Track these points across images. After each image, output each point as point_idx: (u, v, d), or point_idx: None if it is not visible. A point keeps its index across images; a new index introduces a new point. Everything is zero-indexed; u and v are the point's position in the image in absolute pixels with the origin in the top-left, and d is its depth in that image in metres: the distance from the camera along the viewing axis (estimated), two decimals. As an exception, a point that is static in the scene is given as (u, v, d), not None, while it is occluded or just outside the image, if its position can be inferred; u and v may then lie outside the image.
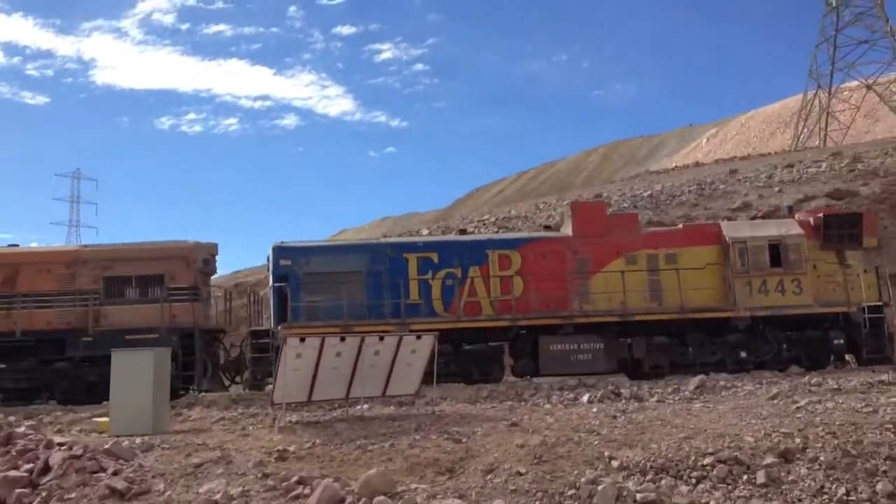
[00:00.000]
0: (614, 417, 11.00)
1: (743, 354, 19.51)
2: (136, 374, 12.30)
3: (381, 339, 13.02)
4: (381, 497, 7.50)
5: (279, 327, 18.29)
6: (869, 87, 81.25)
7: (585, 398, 13.65)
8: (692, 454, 8.67)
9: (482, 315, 19.39)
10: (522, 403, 13.55)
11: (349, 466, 8.97)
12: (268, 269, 20.73)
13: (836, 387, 12.98)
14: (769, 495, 7.87)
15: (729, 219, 29.82)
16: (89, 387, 18.08)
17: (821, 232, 20.21)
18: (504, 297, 19.47)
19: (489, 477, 8.31)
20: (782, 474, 8.19)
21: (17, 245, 21.34)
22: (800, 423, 9.71)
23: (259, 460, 9.23)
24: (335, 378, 12.64)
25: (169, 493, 8.20)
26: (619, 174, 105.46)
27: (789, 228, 20.33)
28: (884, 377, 14.12)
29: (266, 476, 8.46)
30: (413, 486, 7.96)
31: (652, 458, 8.63)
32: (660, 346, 19.37)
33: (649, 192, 37.68)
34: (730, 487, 8.04)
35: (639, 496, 7.64)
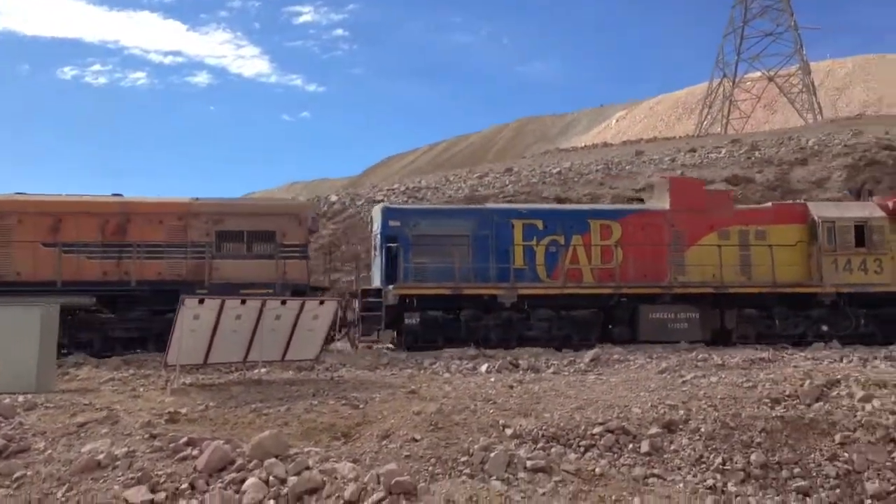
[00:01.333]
0: (511, 387, 11.21)
1: (824, 328, 20.08)
2: (21, 330, 11.79)
3: (284, 303, 12.87)
4: (273, 459, 7.45)
5: (390, 287, 18.63)
6: (770, 79, 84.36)
7: (484, 368, 13.84)
8: (582, 424, 8.95)
9: (583, 282, 19.86)
10: (422, 372, 13.64)
11: (243, 429, 8.87)
12: (370, 231, 21.00)
13: (720, 363, 13.54)
14: (651, 463, 8.20)
15: (631, 199, 30.61)
16: None
17: None
18: (605, 265, 19.95)
19: (384, 442, 8.37)
20: (665, 444, 8.54)
21: (121, 195, 20.18)
22: (684, 396, 10.11)
23: (147, 421, 9.02)
24: (234, 341, 12.44)
25: (49, 451, 7.94)
26: (531, 150, 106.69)
27: (872, 211, 21.08)
28: (764, 355, 14.80)
29: (154, 437, 8.27)
30: (307, 449, 7.95)
31: (544, 427, 8.86)
32: (749, 318, 20.00)
33: (558, 169, 38.23)
34: (616, 455, 8.34)
35: (529, 463, 7.84)
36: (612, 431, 8.75)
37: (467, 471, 7.64)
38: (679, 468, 8.13)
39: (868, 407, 9.37)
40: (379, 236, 19.74)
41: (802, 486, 7.81)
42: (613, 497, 7.38)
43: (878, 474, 7.91)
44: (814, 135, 40.62)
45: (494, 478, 7.52)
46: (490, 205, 23.65)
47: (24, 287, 17.50)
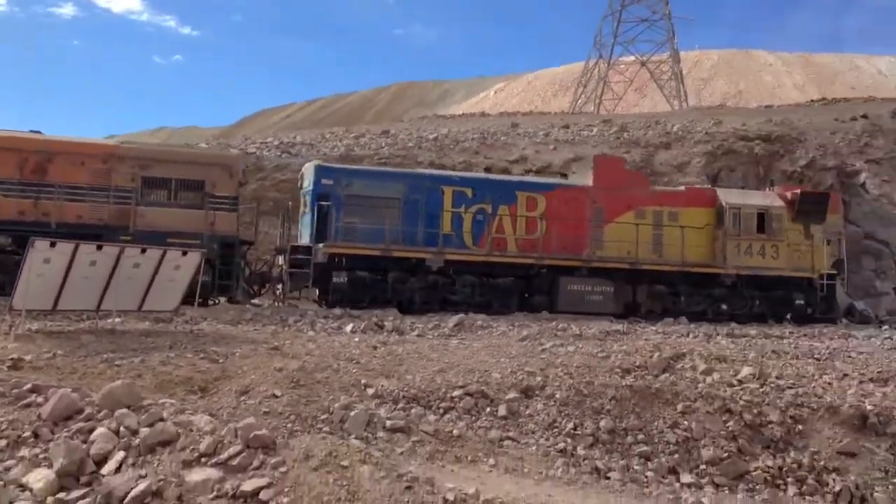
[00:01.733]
0: (374, 348, 11.25)
1: (724, 307, 21.50)
2: None
3: (143, 251, 12.37)
4: (124, 410, 7.19)
5: (320, 245, 18.87)
6: (643, 64, 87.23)
7: (349, 328, 13.83)
8: (443, 387, 9.10)
9: (507, 251, 20.57)
10: (286, 328, 13.49)
11: (93, 379, 8.51)
12: (300, 186, 21.02)
13: (578, 333, 14.05)
14: (507, 427, 8.45)
15: (506, 170, 31.09)
16: None
17: (795, 206, 22.56)
18: (529, 236, 20.73)
19: (243, 398, 8.25)
20: (521, 408, 8.82)
21: (41, 132, 18.75)
22: (543, 363, 10.45)
23: (-12, 367, 8.53)
24: (86, 288, 11.86)
25: None
26: (409, 114, 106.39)
27: (773, 200, 22.70)
28: (618, 327, 15.47)
29: (-6, 382, 7.84)
30: (161, 401, 7.72)
31: (405, 389, 8.97)
32: (658, 294, 21.23)
33: (435, 135, 38.27)
34: (473, 418, 8.54)
35: (388, 423, 7.92)
36: (471, 395, 8.95)
37: (327, 428, 7.64)
38: (533, 432, 8.42)
39: (708, 379, 9.97)
40: (311, 194, 19.76)
41: (645, 451, 8.25)
42: (469, 457, 7.57)
43: (714, 442, 8.45)
44: (679, 121, 42.34)
45: (353, 436, 7.55)
46: (423, 170, 23.88)
47: None
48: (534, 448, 8.09)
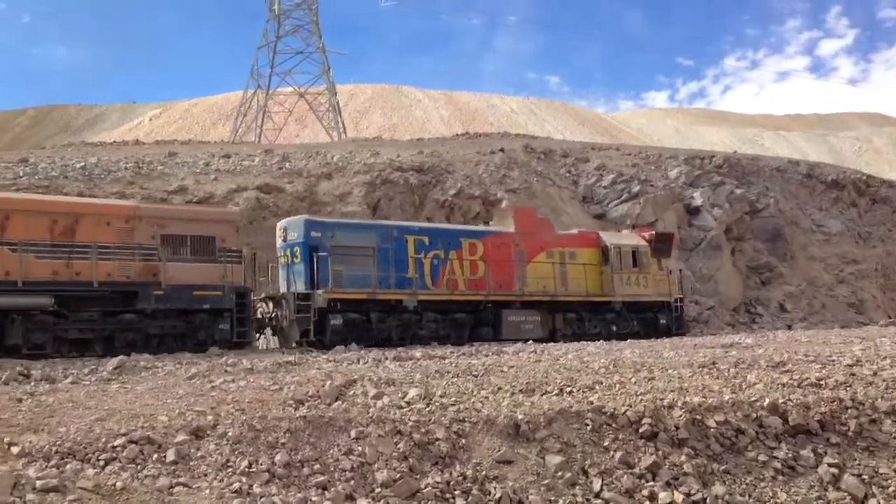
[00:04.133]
0: (19, 400, 10.06)
1: (614, 328, 26.18)
2: None
3: None
4: None
5: (319, 291, 21.02)
6: (301, 96, 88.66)
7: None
8: (103, 436, 8.40)
9: (458, 290, 23.86)
10: None
11: None
12: (283, 238, 22.66)
13: (249, 367, 13.75)
14: (178, 472, 8.01)
15: (164, 200, 29.74)
16: (148, 339, 18.74)
17: (652, 244, 28.11)
18: (473, 276, 24.21)
19: None
20: (192, 451, 8.41)
21: None
22: (213, 401, 10.08)
23: None
24: None
25: None
26: (53, 141, 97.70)
27: (639, 241, 28.19)
28: (291, 358, 15.46)
29: None
30: None
31: (59, 443, 8.14)
32: (568, 320, 25.69)
33: (83, 163, 35.44)
34: (139, 467, 7.99)
35: (39, 483, 7.12)
36: (135, 442, 8.35)
37: (-37, 498, 6.69)
38: (206, 474, 8.06)
39: (379, 403, 10.30)
40: (302, 245, 21.83)
41: (322, 480, 8.28)
42: (136, 511, 7.06)
43: (387, 464, 8.72)
44: (338, 151, 43.60)
45: (-3, 503, 6.69)
46: (390, 222, 27.08)
47: None
48: (207, 492, 7.74)
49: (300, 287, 21.54)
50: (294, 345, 20.91)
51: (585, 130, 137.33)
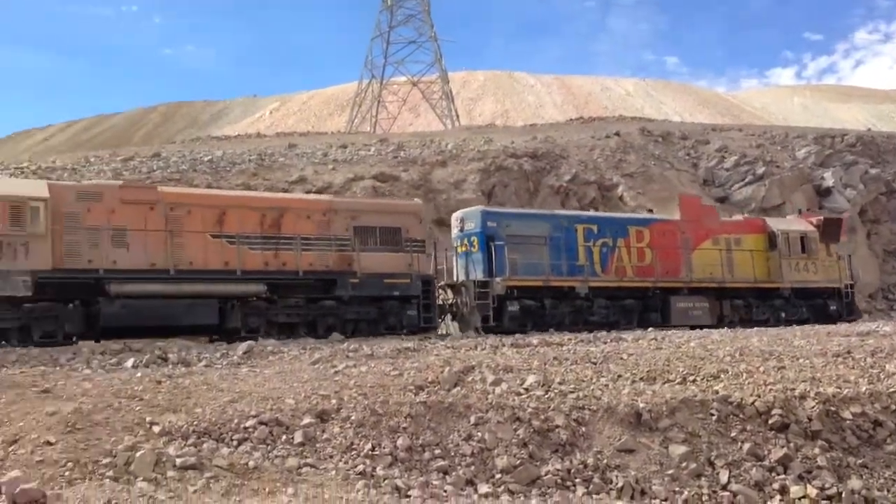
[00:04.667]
0: (159, 383, 10.63)
1: (783, 315, 26.29)
2: None
3: None
4: None
5: (497, 279, 22.00)
6: (414, 85, 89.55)
7: (130, 363, 13.00)
8: (235, 417, 8.77)
9: (626, 277, 24.44)
10: (58, 368, 12.42)
11: None
12: (460, 229, 23.78)
13: (370, 353, 14.07)
14: (305, 453, 8.29)
15: (285, 190, 30.70)
16: (345, 323, 20.32)
17: (821, 230, 27.93)
18: (641, 263, 24.70)
19: (12, 448, 7.50)
20: (318, 433, 8.68)
21: None
22: (337, 385, 10.36)
23: None
24: None
25: None
26: (181, 136, 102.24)
27: (807, 226, 28.13)
28: (409, 345, 15.71)
29: None
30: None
31: (195, 423, 8.55)
32: (735, 307, 25.83)
33: (210, 157, 37.05)
34: (269, 448, 8.30)
35: (178, 461, 7.51)
36: (265, 424, 8.69)
37: (111, 473, 7.12)
38: (331, 456, 8.31)
39: (497, 390, 10.34)
40: (479, 235, 22.85)
41: (443, 465, 8.40)
42: (266, 489, 7.33)
43: (507, 450, 8.76)
44: (452, 139, 43.87)
45: (141, 478, 7.09)
46: (560, 211, 28.19)
47: (197, 275, 18.68)
48: (333, 473, 7.98)
49: (478, 275, 22.58)
50: (474, 330, 21.98)
51: (705, 111, 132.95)
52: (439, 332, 22.04)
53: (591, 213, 29.16)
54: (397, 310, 21.00)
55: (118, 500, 6.26)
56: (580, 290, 23.25)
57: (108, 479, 7.01)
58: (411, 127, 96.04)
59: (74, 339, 17.53)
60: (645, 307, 24.52)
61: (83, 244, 17.70)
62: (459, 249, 23.72)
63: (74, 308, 17.56)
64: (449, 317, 23.17)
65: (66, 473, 7.02)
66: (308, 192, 31.16)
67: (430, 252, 22.45)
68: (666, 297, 24.73)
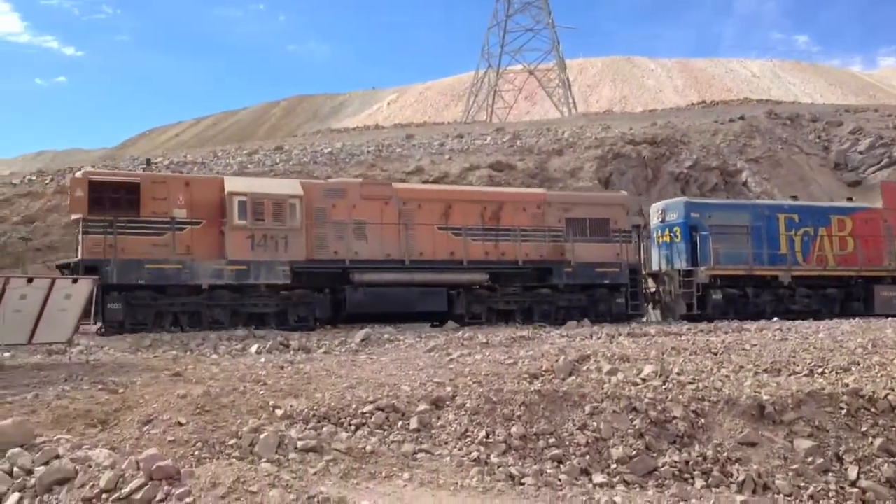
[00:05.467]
0: (281, 368, 11.05)
1: None
2: None
3: (30, 281, 11.80)
4: (17, 449, 6.81)
5: (701, 268, 22.58)
6: (531, 73, 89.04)
7: (254, 349, 13.55)
8: (353, 403, 8.99)
9: (828, 266, 24.50)
10: (188, 353, 13.09)
11: (-19, 419, 8.04)
12: (661, 219, 24.45)
13: (484, 341, 14.15)
14: (420, 439, 8.42)
15: (403, 181, 31.14)
16: (557, 311, 21.41)
17: None
18: (842, 252, 24.71)
19: (146, 428, 7.94)
20: (433, 419, 8.80)
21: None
22: (451, 373, 10.47)
23: None
24: (-30, 323, 11.28)
25: None
26: (302, 129, 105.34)
27: None
28: (524, 333, 15.68)
29: None
30: (56, 437, 7.35)
31: (315, 407, 8.81)
32: None
33: (330, 149, 38.05)
34: (385, 433, 8.47)
35: (300, 443, 7.77)
36: (382, 409, 8.87)
37: (236, 453, 7.44)
38: (446, 443, 8.41)
39: (613, 380, 10.19)
40: (682, 225, 23.46)
41: (557, 454, 8.34)
42: (383, 473, 7.49)
43: (622, 440, 8.63)
44: (569, 127, 43.42)
45: (265, 459, 7.37)
46: (761, 201, 28.57)
47: (428, 265, 20.34)
48: (448, 459, 8.07)
49: (682, 265, 23.23)
50: (678, 318, 22.49)
51: (837, 92, 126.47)
52: (644, 320, 22.66)
53: (793, 202, 28.60)
54: (606, 298, 21.98)
55: (246, 479, 6.51)
56: (783, 279, 23.49)
57: (234, 459, 7.32)
58: (527, 115, 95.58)
59: (318, 323, 19.35)
60: (847, 296, 24.42)
61: (330, 237, 19.72)
62: (660, 240, 24.41)
63: (324, 295, 19.53)
64: (650, 305, 23.82)
65: (196, 453, 7.37)
66: (424, 181, 31.52)
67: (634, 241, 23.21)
68: (869, 286, 24.50)
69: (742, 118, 42.37)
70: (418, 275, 19.96)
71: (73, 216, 18.64)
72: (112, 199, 17.78)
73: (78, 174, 19.20)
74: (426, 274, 20.07)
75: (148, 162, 27.69)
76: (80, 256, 17.49)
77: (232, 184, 19.33)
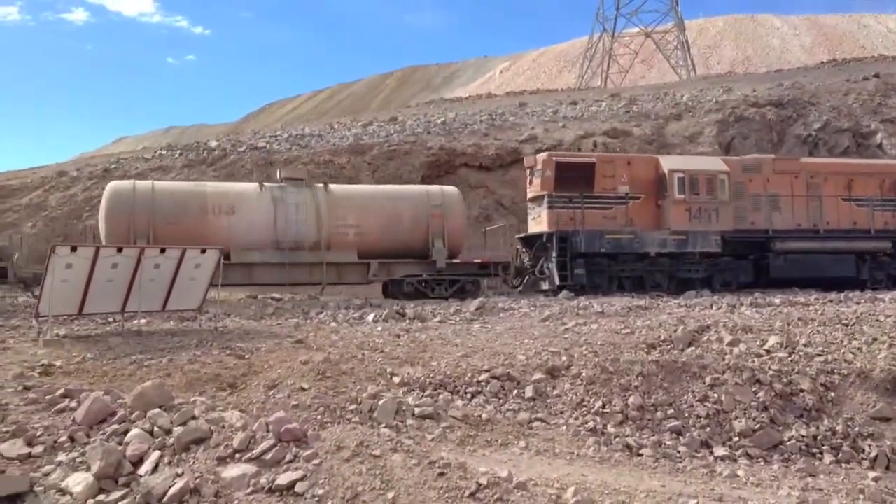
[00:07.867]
0: (398, 336, 11.25)
1: None
2: None
3: (163, 251, 12.41)
4: (157, 410, 7.23)
5: None
6: (647, 35, 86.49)
7: (371, 317, 13.85)
8: (469, 371, 9.09)
9: None
10: (309, 321, 13.51)
11: (123, 381, 8.57)
12: None
13: (600, 310, 13.99)
14: (535, 408, 8.44)
15: (516, 150, 30.95)
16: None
17: None
18: None
19: (271, 392, 8.27)
20: (548, 389, 8.80)
21: None
22: (566, 342, 10.42)
23: (19, 373, 8.58)
24: (110, 291, 11.92)
25: None
26: (416, 99, 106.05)
27: None
28: (641, 302, 15.40)
29: (27, 389, 7.89)
30: (192, 399, 7.76)
31: (431, 375, 8.96)
32: None
33: (443, 119, 38.18)
34: (501, 401, 8.53)
35: (417, 410, 7.92)
36: (497, 378, 8.93)
37: (356, 419, 7.65)
38: (562, 412, 8.40)
39: (735, 350, 9.92)
40: None
41: (676, 425, 8.21)
42: (499, 441, 7.55)
43: (745, 413, 8.41)
44: (688, 91, 42.04)
45: (383, 425, 7.55)
46: None
47: (838, 234, 22.37)
48: (563, 428, 8.06)
49: None
50: None
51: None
52: None
53: None
54: None
55: (369, 443, 6.68)
56: None
57: (356, 424, 7.54)
58: (643, 80, 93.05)
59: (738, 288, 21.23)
60: None
61: (748, 209, 22.03)
62: None
63: (747, 262, 21.95)
64: None
65: (318, 417, 7.63)
66: (538, 150, 31.29)
67: None
68: None
69: (877, 76, 39.93)
70: (830, 243, 22.18)
71: (532, 193, 21.58)
72: (572, 177, 20.66)
73: (542, 156, 21.77)
74: (838, 242, 22.27)
75: None
76: (546, 228, 20.47)
77: (670, 162, 22.08)
